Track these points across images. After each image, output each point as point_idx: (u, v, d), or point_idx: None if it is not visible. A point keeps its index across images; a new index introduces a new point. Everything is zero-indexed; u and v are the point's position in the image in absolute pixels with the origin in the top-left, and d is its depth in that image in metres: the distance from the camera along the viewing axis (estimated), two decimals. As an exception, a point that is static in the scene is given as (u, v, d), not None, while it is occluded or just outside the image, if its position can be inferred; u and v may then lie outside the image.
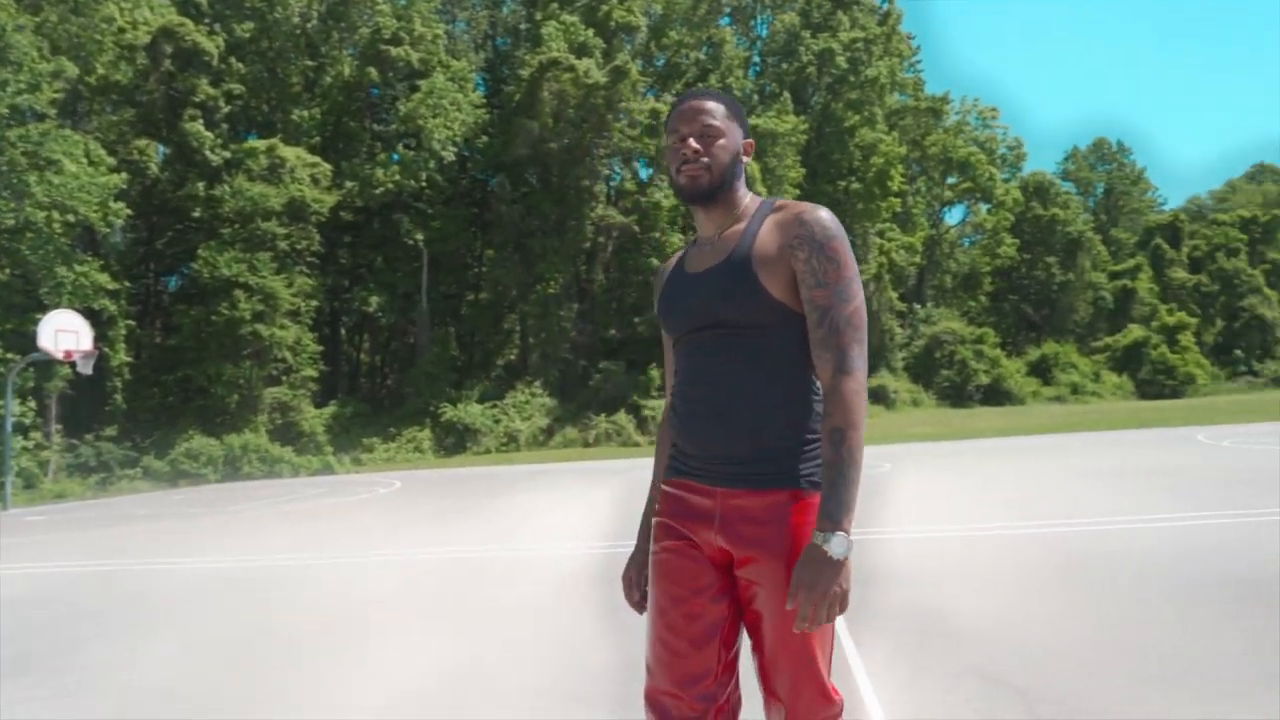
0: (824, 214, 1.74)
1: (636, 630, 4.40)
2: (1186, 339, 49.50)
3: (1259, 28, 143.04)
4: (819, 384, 1.74)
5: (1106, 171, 67.14)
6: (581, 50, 33.86)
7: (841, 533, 1.62)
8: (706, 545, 1.77)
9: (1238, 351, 52.25)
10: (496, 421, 31.84)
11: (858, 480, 1.66)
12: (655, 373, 32.86)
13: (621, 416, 31.50)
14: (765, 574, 1.70)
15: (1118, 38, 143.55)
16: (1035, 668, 3.47)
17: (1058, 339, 48.67)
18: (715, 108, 1.82)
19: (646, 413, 31.83)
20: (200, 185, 28.63)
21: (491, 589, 5.98)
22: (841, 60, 39.98)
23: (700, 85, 39.19)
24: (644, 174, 37.29)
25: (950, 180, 50.21)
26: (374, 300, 34.86)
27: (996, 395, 40.02)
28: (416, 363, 35.36)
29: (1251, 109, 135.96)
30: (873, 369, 39.40)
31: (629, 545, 7.40)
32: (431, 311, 36.89)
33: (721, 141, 1.81)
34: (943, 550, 6.27)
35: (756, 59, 44.83)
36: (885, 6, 45.23)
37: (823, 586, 1.59)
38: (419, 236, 34.68)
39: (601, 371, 33.48)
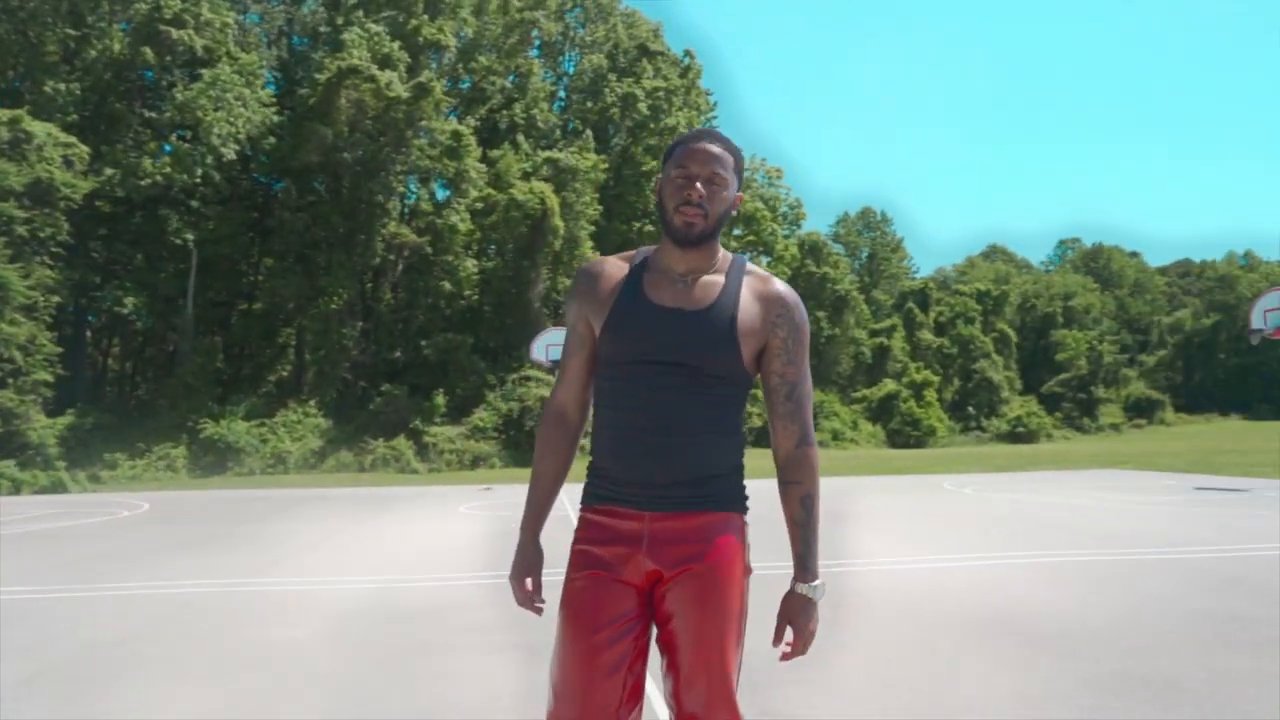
0: (795, 296, 1.89)
1: (425, 678, 4.17)
2: (930, 395, 54.97)
3: (1003, 127, 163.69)
4: (776, 444, 1.92)
5: (871, 238, 73.61)
6: (385, 62, 32.79)
7: (819, 582, 1.85)
8: (630, 570, 1.80)
9: (970, 409, 58.65)
10: (264, 441, 29.65)
11: (819, 534, 1.89)
12: (440, 399, 31.99)
13: (401, 442, 30.31)
14: (692, 591, 1.77)
15: (887, 115, 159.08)
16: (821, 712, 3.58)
17: (822, 388, 52.36)
18: (727, 158, 1.85)
19: (428, 439, 30.83)
20: (-80, 151, 24.79)
21: (253, 629, 5.45)
22: (643, 106, 41.33)
23: (485, 115, 39.14)
24: (441, 194, 36.53)
25: (736, 232, 53.07)
26: (130, 301, 31.53)
27: (763, 437, 42.14)
28: (175, 373, 32.30)
29: (990, 196, 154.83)
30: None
31: (411, 580, 7.07)
32: (197, 318, 33.91)
33: (724, 193, 1.84)
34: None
35: (562, 94, 45.42)
36: (686, 61, 47.41)
37: (810, 626, 1.84)
38: (189, 236, 31.89)
39: (383, 394, 32.13)
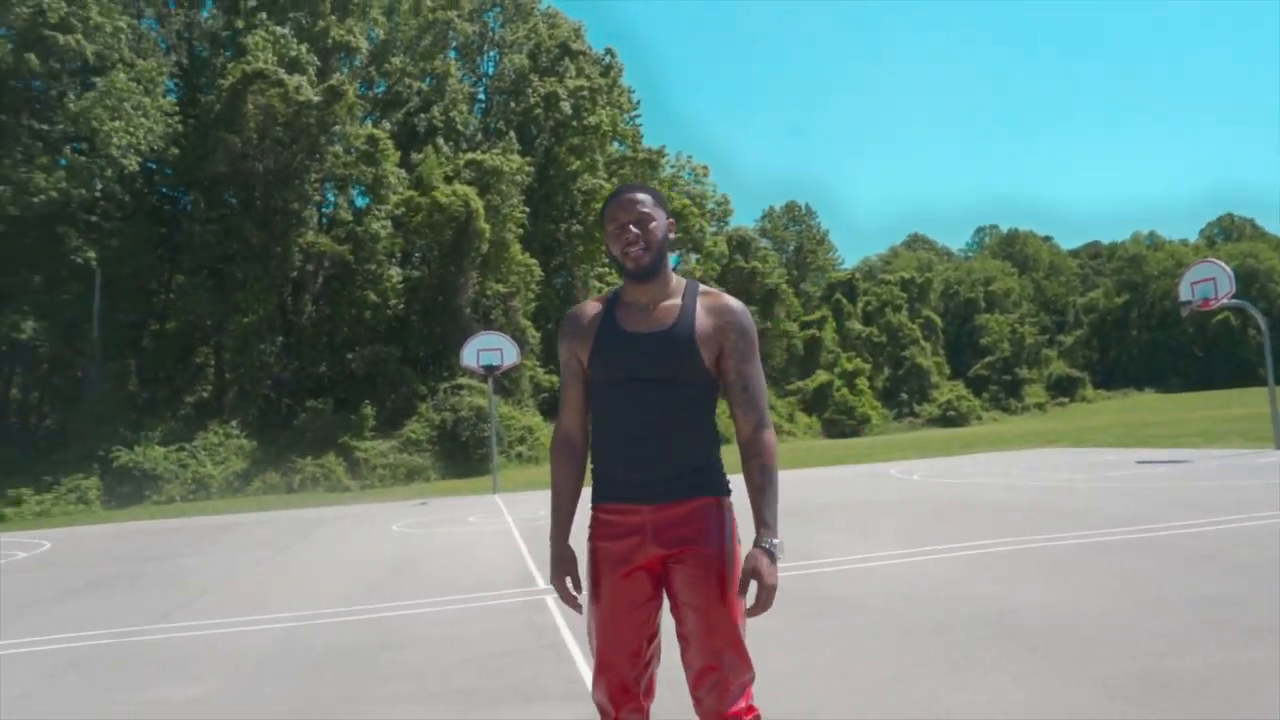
0: (742, 306, 2.24)
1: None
2: (862, 383, 55.61)
3: (914, 114, 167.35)
4: (738, 430, 2.21)
5: (797, 231, 74.24)
6: (293, 65, 31.50)
7: (779, 540, 2.13)
8: (641, 555, 2.14)
9: (903, 395, 59.51)
10: (183, 466, 28.15)
11: (778, 500, 2.18)
12: (368, 411, 30.85)
13: (330, 459, 29.11)
14: (693, 566, 2.12)
15: (807, 107, 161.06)
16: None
17: (759, 382, 52.47)
18: (645, 198, 2.20)
19: (359, 455, 29.70)
20: None
21: (147, 688, 4.72)
22: (566, 105, 40.68)
23: (402, 119, 38.10)
24: (360, 202, 35.29)
25: (665, 230, 52.82)
26: (28, 326, 29.56)
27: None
28: (84, 399, 30.46)
29: (910, 185, 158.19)
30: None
31: (336, 614, 6.38)
32: (105, 341, 32.07)
33: (654, 224, 2.18)
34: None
35: (482, 95, 44.48)
36: (608, 60, 46.92)
37: (771, 579, 2.08)
38: (90, 254, 30.05)
39: (308, 410, 30.84)
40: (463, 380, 31.43)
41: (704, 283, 2.33)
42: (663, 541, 2.12)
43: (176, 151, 31.27)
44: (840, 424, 51.81)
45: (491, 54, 44.70)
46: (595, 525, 2.22)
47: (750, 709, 2.12)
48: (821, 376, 53.96)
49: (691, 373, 2.14)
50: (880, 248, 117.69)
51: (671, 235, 2.23)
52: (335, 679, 4.61)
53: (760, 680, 3.98)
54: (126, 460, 27.18)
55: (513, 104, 42.26)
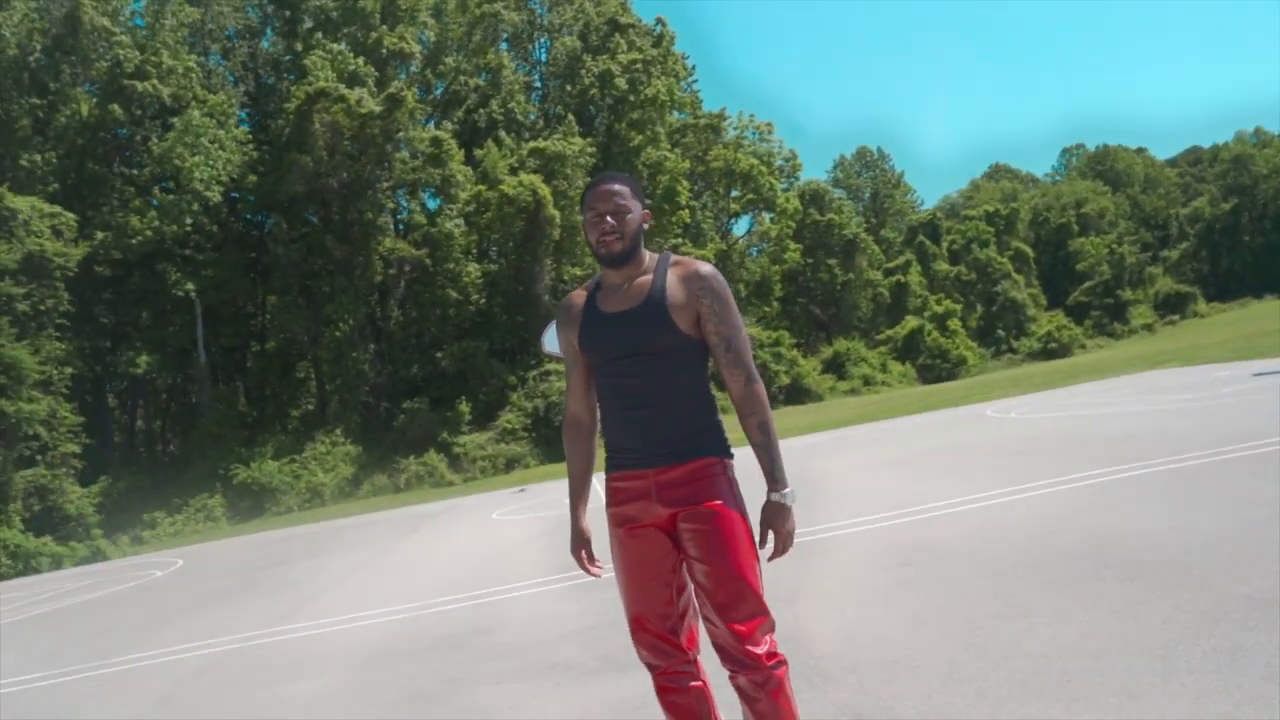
0: (713, 269, 2.31)
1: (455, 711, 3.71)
2: (954, 324, 53.93)
3: (989, 39, 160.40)
4: (728, 388, 2.31)
5: (871, 178, 72.33)
6: (353, 79, 32.28)
7: (789, 489, 2.27)
8: (651, 516, 2.27)
9: (999, 332, 57.53)
10: (296, 477, 29.50)
11: (780, 452, 2.31)
12: (463, 407, 31.66)
13: (432, 456, 30.03)
14: (700, 519, 2.23)
15: (870, 47, 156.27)
16: (913, 698, 3.06)
17: (846, 335, 51.55)
18: (623, 189, 2.31)
19: (457, 450, 30.54)
20: (-92, 245, 24.66)
21: (270, 688, 5.00)
22: (621, 81, 40.51)
23: (462, 117, 38.55)
24: (432, 204, 36.03)
25: (734, 193, 52.14)
26: (143, 360, 31.43)
27: (798, 394, 41.67)
28: (199, 424, 32.21)
29: (985, 114, 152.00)
30: (681, 381, 39.94)
31: (447, 603, 6.61)
32: (212, 367, 33.81)
33: (630, 215, 2.30)
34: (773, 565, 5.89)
35: (538, 83, 44.67)
36: (659, 30, 46.44)
37: (787, 526, 2.27)
38: (189, 287, 31.69)
39: (406, 412, 31.85)
40: (550, 366, 31.90)
41: (675, 253, 2.41)
42: (666, 500, 2.24)
43: (254, 178, 32.56)
44: (935, 369, 50.43)
45: (542, 40, 44.85)
46: (609, 494, 2.36)
47: (774, 655, 2.20)
48: (911, 322, 52.59)
49: (670, 341, 2.23)
50: (960, 183, 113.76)
51: (646, 225, 2.35)
52: (441, 664, 4.80)
53: (846, 629, 3.96)
54: (244, 477, 28.63)
55: (568, 87, 42.34)
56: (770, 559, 2.26)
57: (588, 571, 2.40)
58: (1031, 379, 28.43)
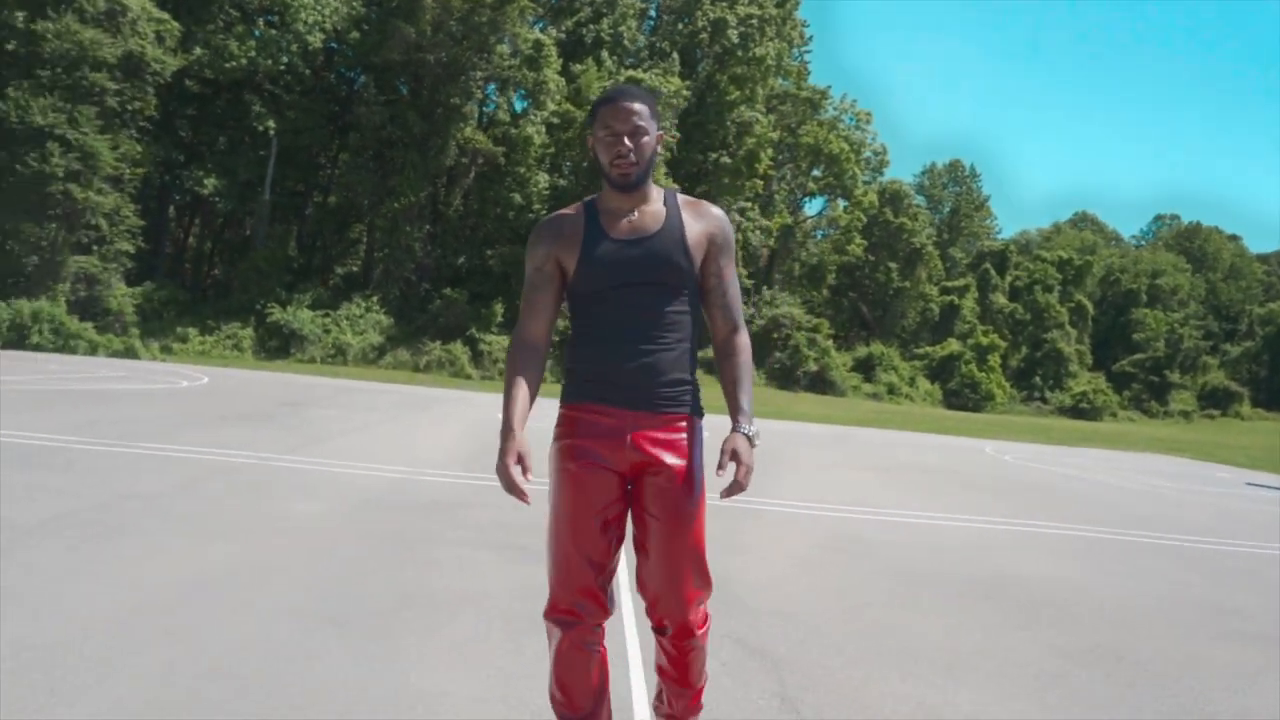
0: (724, 214, 2.30)
1: (410, 564, 4.37)
2: (994, 360, 53.67)
3: (1108, 89, 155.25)
4: (714, 329, 2.31)
5: (956, 193, 71.20)
6: (475, -37, 32.32)
7: (756, 428, 2.21)
8: (616, 459, 2.15)
9: (1036, 378, 57.16)
10: (326, 331, 30.55)
11: (752, 394, 2.27)
12: (498, 308, 32.41)
13: (457, 347, 30.93)
14: (670, 476, 2.14)
15: (991, 71, 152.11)
16: (792, 641, 3.68)
17: (884, 341, 51.52)
18: (642, 109, 2.15)
19: (483, 347, 31.38)
20: (19, 15, 25.36)
21: (274, 501, 5.74)
22: (733, 34, 40.15)
23: (571, 28, 38.46)
24: (519, 105, 36.31)
25: (815, 172, 51.80)
26: (210, 182, 32.37)
27: (821, 384, 42.02)
28: (249, 256, 33.25)
29: (1087, 160, 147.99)
30: (708, 340, 40.38)
31: (437, 474, 7.33)
32: (274, 205, 34.71)
33: (646, 139, 2.16)
34: (732, 519, 6.51)
35: (653, 13, 44.36)
36: (786, -12, 45.68)
37: (749, 460, 2.14)
38: (270, 124, 32.41)
39: (444, 298, 32.67)
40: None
41: (682, 193, 2.33)
42: (641, 447, 2.14)
43: (356, 35, 32.97)
44: (963, 396, 50.44)
45: (667, -29, 44.32)
46: (566, 424, 2.21)
47: (706, 617, 2.25)
48: (952, 345, 52.45)
49: (681, 276, 2.17)
50: (1042, 222, 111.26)
51: (659, 147, 2.22)
52: (420, 520, 5.50)
53: (764, 579, 4.57)
54: (278, 318, 29.71)
55: (680, 25, 42.04)
56: (724, 494, 2.14)
57: (515, 491, 2.06)
58: (1048, 431, 28.65)
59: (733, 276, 2.28)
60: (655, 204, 2.22)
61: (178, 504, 5.35)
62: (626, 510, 2.19)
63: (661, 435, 2.16)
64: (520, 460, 2.09)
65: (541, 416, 2.26)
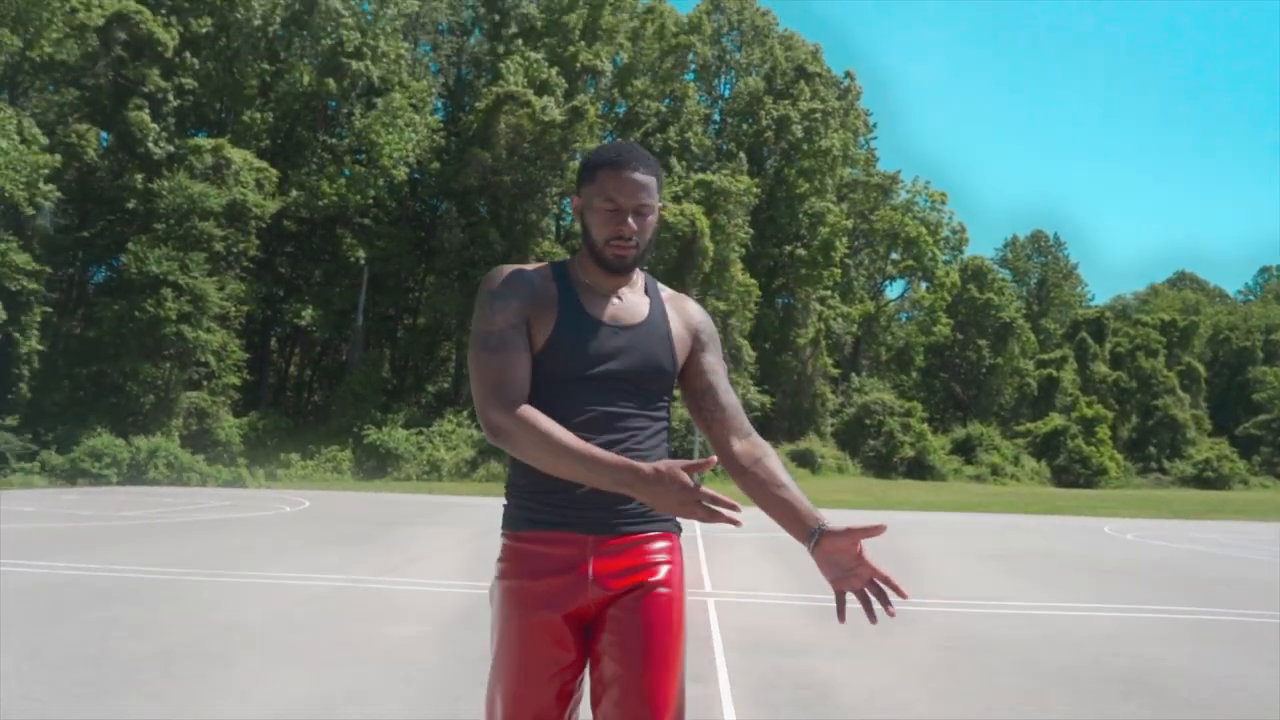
0: (706, 312, 1.99)
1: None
2: (1103, 432, 51.11)
3: (1194, 143, 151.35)
4: (722, 436, 1.87)
5: (1041, 263, 69.60)
6: (542, 88, 34.05)
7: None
8: (574, 600, 1.72)
9: (1150, 449, 54.09)
10: (420, 449, 31.20)
11: None
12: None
13: (547, 455, 31.06)
14: (646, 607, 1.73)
15: (1065, 135, 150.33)
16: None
17: (982, 420, 49.79)
18: (650, 182, 1.80)
19: (573, 454, 31.43)
20: (139, 177, 27.75)
21: (367, 624, 5.72)
22: (798, 129, 40.93)
23: (640, 139, 39.75)
24: (595, 216, 37.39)
25: (893, 256, 51.49)
26: (308, 314, 34.09)
27: (920, 469, 40.65)
28: (345, 381, 34.58)
29: (1179, 218, 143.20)
30: (802, 433, 39.70)
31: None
32: (367, 331, 36.23)
33: (651, 218, 1.82)
34: (829, 619, 6.17)
35: (717, 117, 45.68)
36: (846, 82, 46.61)
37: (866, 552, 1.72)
38: (361, 254, 34.16)
39: (532, 408, 33.06)
40: (676, 392, 32.46)
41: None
42: (606, 581, 1.74)
43: (437, 165, 34.82)
44: (1073, 473, 47.97)
45: (728, 76, 45.83)
46: (510, 560, 1.79)
47: None
48: (1055, 420, 50.24)
49: (664, 379, 1.84)
50: (1138, 285, 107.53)
51: (657, 226, 1.90)
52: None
53: (870, 687, 4.27)
54: (375, 438, 30.55)
55: (745, 125, 43.11)
56: (867, 533, 1.69)
57: (719, 512, 1.58)
58: (1171, 504, 26.89)
59: (725, 373, 1.92)
60: (638, 290, 1.89)
61: (276, 632, 5.38)
62: (584, 665, 1.77)
63: (633, 558, 1.75)
64: (671, 467, 1.61)
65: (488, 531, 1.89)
